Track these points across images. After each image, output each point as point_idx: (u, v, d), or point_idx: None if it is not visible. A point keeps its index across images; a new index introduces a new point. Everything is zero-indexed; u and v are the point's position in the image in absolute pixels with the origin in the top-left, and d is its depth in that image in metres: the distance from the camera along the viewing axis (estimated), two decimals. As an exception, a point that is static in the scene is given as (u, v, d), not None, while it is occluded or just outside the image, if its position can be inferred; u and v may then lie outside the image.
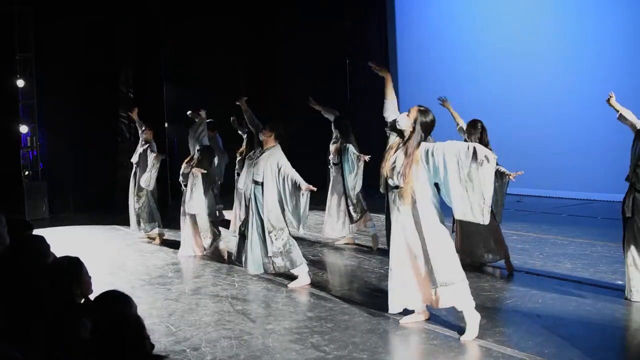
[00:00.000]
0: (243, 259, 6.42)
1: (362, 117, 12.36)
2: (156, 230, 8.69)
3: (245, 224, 6.51)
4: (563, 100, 11.05)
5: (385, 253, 7.46)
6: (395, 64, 14.01)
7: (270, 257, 6.21)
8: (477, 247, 6.41)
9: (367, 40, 14.06)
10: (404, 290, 4.81)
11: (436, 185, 4.74)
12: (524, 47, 11.53)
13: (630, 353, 4.44)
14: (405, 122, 4.78)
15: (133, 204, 8.71)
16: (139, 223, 8.71)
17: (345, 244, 8.07)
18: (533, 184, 11.33)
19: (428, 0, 13.77)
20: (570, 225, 8.74)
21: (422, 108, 4.82)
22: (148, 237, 8.84)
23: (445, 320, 4.94)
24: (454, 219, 6.57)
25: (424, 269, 4.68)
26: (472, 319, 4.60)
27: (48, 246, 3.53)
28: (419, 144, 4.70)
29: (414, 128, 4.73)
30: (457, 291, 4.62)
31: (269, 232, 6.21)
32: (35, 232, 4.03)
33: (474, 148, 4.47)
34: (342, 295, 5.80)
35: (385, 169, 4.84)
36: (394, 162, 4.78)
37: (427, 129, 4.78)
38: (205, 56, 13.06)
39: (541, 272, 6.33)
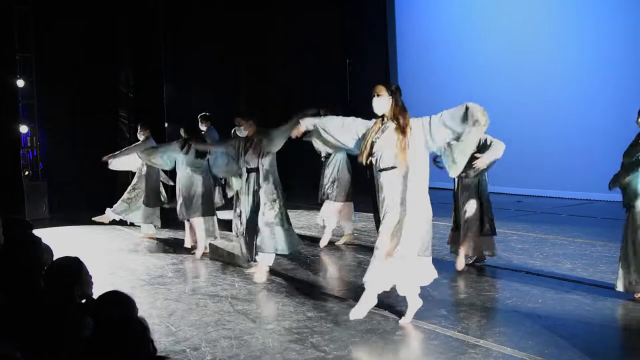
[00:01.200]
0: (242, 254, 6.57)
1: (362, 117, 12.36)
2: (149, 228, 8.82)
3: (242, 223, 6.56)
4: (563, 100, 11.05)
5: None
6: (395, 64, 14.01)
7: (261, 229, 6.28)
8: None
9: (367, 40, 14.06)
10: (381, 270, 4.84)
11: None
12: (524, 46, 11.53)
13: (630, 353, 4.44)
14: (381, 104, 4.88)
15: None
16: (125, 211, 8.82)
17: (345, 244, 8.07)
18: (533, 184, 11.34)
19: (428, 0, 13.78)
20: (570, 225, 8.74)
21: (383, 84, 4.97)
22: (147, 237, 8.90)
23: (445, 320, 4.94)
24: (453, 217, 6.59)
25: (394, 242, 4.78)
26: (413, 303, 4.86)
27: (47, 247, 3.53)
28: (407, 117, 4.81)
29: (394, 102, 4.85)
30: (412, 266, 4.79)
31: (264, 204, 6.33)
32: (35, 232, 4.03)
33: (467, 108, 4.64)
34: (342, 295, 5.80)
35: (365, 153, 4.90)
36: (383, 143, 4.84)
37: (400, 94, 4.91)
38: (205, 56, 13.07)
39: (541, 272, 6.34)
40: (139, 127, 9.02)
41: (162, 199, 8.96)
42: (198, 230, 7.68)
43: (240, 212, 6.58)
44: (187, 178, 7.64)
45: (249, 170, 6.44)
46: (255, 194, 6.41)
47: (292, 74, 13.73)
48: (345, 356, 4.32)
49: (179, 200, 7.67)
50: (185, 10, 12.87)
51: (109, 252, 8.21)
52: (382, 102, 4.90)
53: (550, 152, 11.01)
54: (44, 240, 3.58)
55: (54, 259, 3.34)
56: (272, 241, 6.32)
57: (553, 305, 5.24)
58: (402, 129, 4.78)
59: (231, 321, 5.14)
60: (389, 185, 4.82)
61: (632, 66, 10.15)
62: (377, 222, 5.21)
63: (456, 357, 4.23)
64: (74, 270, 3.12)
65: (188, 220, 7.74)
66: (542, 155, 11.08)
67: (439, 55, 13.04)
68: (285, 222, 6.43)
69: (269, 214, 6.32)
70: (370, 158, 4.91)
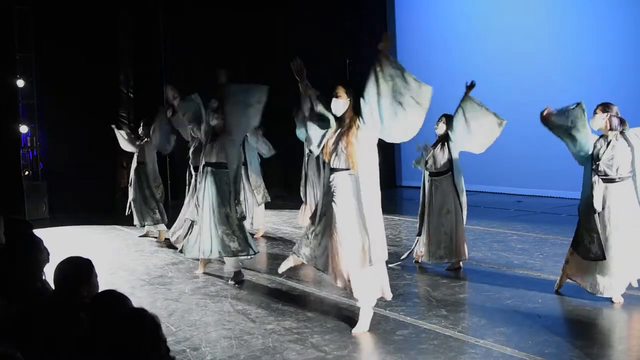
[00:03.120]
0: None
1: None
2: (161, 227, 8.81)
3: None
4: (563, 100, 10.95)
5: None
6: (395, 64, 14.00)
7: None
8: (439, 248, 6.48)
9: (367, 40, 14.05)
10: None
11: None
12: (524, 47, 11.54)
13: (630, 353, 4.44)
14: (338, 105, 4.81)
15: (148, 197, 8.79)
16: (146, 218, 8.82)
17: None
18: (533, 184, 11.34)
19: (428, 0, 13.79)
20: (570, 225, 8.67)
21: (344, 82, 4.88)
22: (149, 236, 8.92)
23: (445, 320, 4.94)
24: (419, 223, 6.61)
25: (356, 245, 4.70)
26: (366, 313, 4.77)
27: (39, 240, 3.53)
28: (356, 118, 4.72)
29: (351, 104, 4.78)
30: (379, 272, 4.81)
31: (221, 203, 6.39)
32: (35, 232, 4.03)
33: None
34: (342, 295, 5.79)
35: (326, 152, 4.87)
36: (337, 144, 4.79)
37: (358, 93, 4.75)
38: (205, 56, 13.06)
39: (541, 272, 6.34)
40: (142, 124, 8.96)
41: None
42: None
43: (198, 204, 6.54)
44: None
45: (215, 166, 6.40)
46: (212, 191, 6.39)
47: (292, 73, 13.70)
48: (345, 356, 4.32)
49: None
50: (185, 10, 12.87)
51: (109, 252, 8.21)
52: (339, 104, 4.82)
53: (550, 152, 10.98)
54: (44, 241, 3.58)
55: (62, 258, 3.33)
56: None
57: (553, 305, 5.24)
58: (348, 130, 4.75)
59: (231, 321, 5.14)
60: (341, 186, 4.77)
61: (632, 66, 10.16)
62: (314, 217, 5.07)
63: (456, 357, 4.23)
64: (84, 271, 3.12)
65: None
66: (542, 155, 11.07)
67: (438, 55, 13.03)
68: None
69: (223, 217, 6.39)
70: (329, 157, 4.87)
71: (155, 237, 8.86)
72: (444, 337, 4.59)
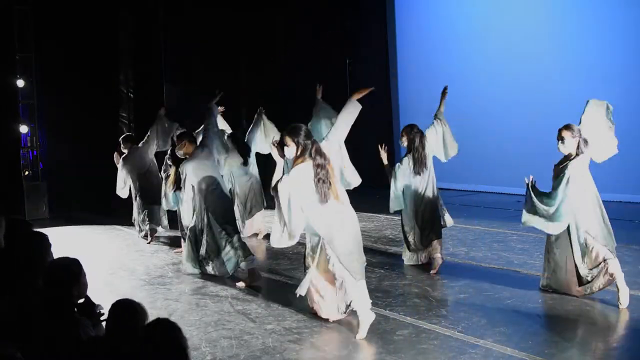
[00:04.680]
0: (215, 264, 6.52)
1: (362, 117, 12.36)
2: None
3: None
4: (563, 100, 11.04)
5: (385, 253, 7.47)
6: (395, 64, 14.01)
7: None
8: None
9: (367, 40, 14.07)
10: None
11: None
12: (524, 47, 11.53)
13: (630, 352, 4.44)
14: (290, 152, 4.83)
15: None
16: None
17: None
18: (533, 184, 11.32)
19: (428, 0, 13.79)
20: (570, 225, 8.72)
21: (287, 130, 4.84)
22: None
23: (445, 320, 4.94)
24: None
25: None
26: (366, 319, 4.73)
27: (49, 244, 3.54)
28: (317, 151, 4.76)
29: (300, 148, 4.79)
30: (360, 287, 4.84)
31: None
32: (35, 232, 4.03)
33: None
34: (342, 295, 5.79)
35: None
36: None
37: (308, 137, 4.78)
38: (205, 56, 13.08)
39: (541, 272, 6.32)
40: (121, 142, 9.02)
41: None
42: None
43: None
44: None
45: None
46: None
47: (292, 73, 13.73)
48: (345, 356, 4.32)
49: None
50: (185, 10, 12.88)
51: (109, 252, 8.22)
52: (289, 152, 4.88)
53: (550, 152, 10.98)
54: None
55: (54, 258, 3.35)
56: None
57: (553, 305, 5.24)
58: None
59: (231, 321, 5.14)
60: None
61: (632, 66, 10.16)
62: None
63: (456, 357, 4.23)
64: (74, 271, 3.14)
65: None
66: (542, 155, 11.04)
67: (438, 55, 13.03)
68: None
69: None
70: None
71: (149, 238, 8.82)
72: (444, 337, 4.59)
